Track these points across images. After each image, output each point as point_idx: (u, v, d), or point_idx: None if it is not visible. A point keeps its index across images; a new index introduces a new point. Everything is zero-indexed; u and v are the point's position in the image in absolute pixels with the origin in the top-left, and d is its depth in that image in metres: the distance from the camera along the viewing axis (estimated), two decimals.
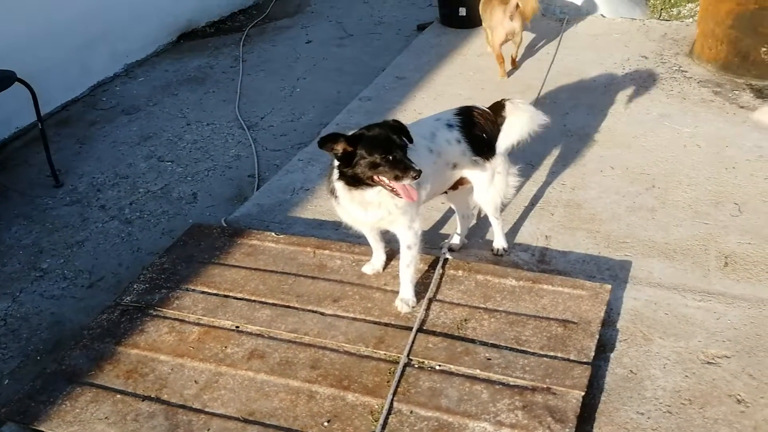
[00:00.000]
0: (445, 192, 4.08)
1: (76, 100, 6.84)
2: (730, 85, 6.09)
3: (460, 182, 4.01)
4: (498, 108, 3.97)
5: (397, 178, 3.32)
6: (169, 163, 5.81)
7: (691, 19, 7.43)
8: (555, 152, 5.30)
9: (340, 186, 3.50)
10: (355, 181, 3.43)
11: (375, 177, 3.36)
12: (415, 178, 3.30)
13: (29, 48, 6.21)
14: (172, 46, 7.93)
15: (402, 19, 8.36)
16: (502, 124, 3.94)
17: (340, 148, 3.34)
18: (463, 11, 7.34)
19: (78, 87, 6.89)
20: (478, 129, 3.85)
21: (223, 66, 7.43)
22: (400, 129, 3.43)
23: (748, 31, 6.06)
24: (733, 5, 6.07)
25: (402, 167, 3.30)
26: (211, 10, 8.37)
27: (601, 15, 7.59)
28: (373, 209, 3.55)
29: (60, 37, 6.56)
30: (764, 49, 6.01)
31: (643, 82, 6.25)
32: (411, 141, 3.44)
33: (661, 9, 7.88)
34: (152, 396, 3.36)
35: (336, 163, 3.46)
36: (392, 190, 3.38)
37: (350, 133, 3.41)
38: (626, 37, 7.10)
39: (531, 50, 7.02)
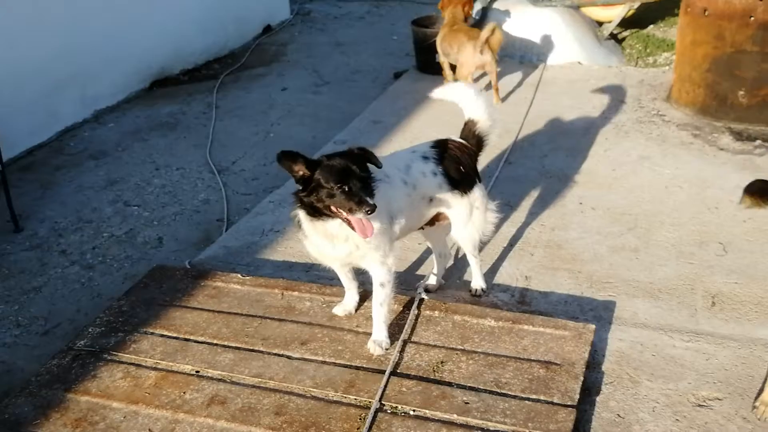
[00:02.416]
0: (422, 228, 3.90)
1: (42, 145, 6.63)
2: (708, 128, 6.03)
3: (438, 218, 3.84)
4: (468, 127, 3.91)
5: (351, 211, 3.13)
6: (136, 207, 5.60)
7: (667, 67, 7.45)
8: (534, 193, 5.17)
9: (302, 215, 3.32)
10: (314, 211, 3.25)
11: (332, 207, 3.18)
12: (368, 212, 3.09)
13: None
14: (144, 93, 7.79)
15: (379, 67, 8.31)
16: (478, 139, 3.89)
17: (298, 169, 3.19)
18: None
19: (44, 132, 6.68)
20: (454, 161, 3.71)
21: (196, 112, 7.28)
22: (363, 158, 3.25)
23: (724, 74, 6.04)
24: (710, 49, 6.06)
25: (356, 200, 3.11)
26: (185, 58, 8.27)
27: (578, 62, 7.57)
28: (339, 243, 3.35)
29: (26, 81, 6.38)
30: (741, 93, 5.98)
31: (621, 125, 6.19)
32: (379, 166, 3.27)
33: (638, 58, 7.91)
34: None
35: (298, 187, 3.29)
36: (348, 223, 3.20)
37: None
38: (603, 83, 7.07)
39: (509, 95, 6.96)
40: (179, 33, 8.14)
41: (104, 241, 5.18)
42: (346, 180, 3.12)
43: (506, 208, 4.90)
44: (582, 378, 3.30)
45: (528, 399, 3.19)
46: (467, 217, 3.80)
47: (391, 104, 6.89)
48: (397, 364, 3.43)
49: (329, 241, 3.35)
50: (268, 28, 9.76)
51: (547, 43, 7.66)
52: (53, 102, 6.74)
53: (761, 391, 3.28)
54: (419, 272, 4.41)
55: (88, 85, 7.11)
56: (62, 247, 5.13)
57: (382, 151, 5.80)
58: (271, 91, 7.77)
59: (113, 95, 7.43)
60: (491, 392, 3.24)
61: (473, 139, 3.88)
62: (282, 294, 3.99)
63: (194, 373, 3.47)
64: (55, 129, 6.80)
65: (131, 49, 7.52)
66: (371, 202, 3.11)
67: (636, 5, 8.15)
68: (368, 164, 3.27)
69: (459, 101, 3.97)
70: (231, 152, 6.38)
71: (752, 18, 5.76)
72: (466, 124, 3.93)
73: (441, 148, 3.74)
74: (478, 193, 3.82)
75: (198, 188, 5.83)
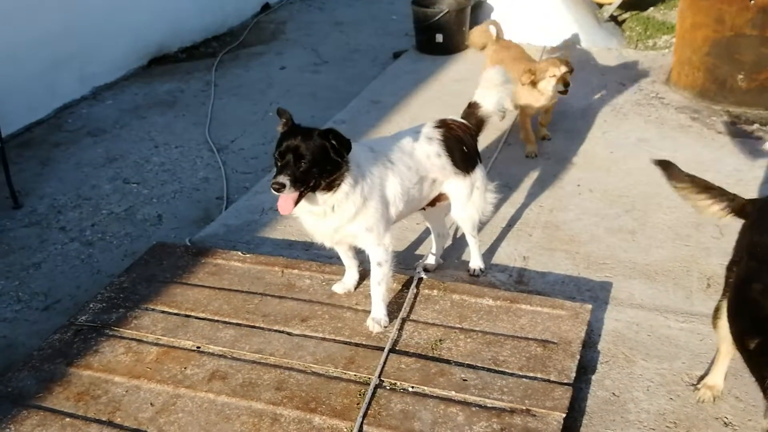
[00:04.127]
0: (423, 208, 3.92)
1: (41, 122, 6.61)
2: (707, 111, 6.04)
3: (438, 198, 3.87)
4: (471, 109, 3.92)
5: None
6: (135, 185, 5.61)
7: (667, 50, 7.44)
8: (533, 175, 5.19)
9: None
10: None
11: None
12: (273, 188, 3.11)
13: None
14: (143, 70, 7.75)
15: (378, 47, 8.28)
16: (479, 121, 3.90)
17: (282, 122, 3.30)
18: (440, 38, 7.29)
19: (43, 109, 6.65)
20: (458, 142, 3.73)
21: (194, 90, 7.27)
22: (328, 141, 3.19)
23: (724, 58, 6.04)
24: (710, 32, 6.06)
25: (275, 174, 3.15)
26: (183, 35, 8.22)
27: (578, 45, 7.56)
28: (319, 218, 3.36)
29: (24, 57, 6.34)
30: (741, 76, 5.99)
31: (620, 108, 6.20)
32: (339, 158, 3.22)
33: (638, 40, 7.89)
34: (104, 419, 3.13)
35: None
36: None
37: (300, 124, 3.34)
38: (603, 65, 7.07)
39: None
40: (177, 11, 8.08)
41: (103, 218, 5.19)
42: (283, 153, 3.15)
43: (505, 189, 4.92)
44: (578, 357, 3.34)
45: (525, 377, 3.23)
46: (468, 197, 3.82)
47: (391, 84, 6.89)
48: (396, 342, 3.47)
49: (313, 214, 3.37)
50: (266, 6, 9.69)
51: (546, 25, 7.63)
52: (51, 79, 6.71)
53: (707, 373, 3.33)
54: (418, 252, 4.44)
55: (87, 63, 7.07)
56: (62, 224, 5.15)
57: (382, 132, 5.84)
58: (269, 69, 7.75)
59: (111, 72, 7.39)
60: (489, 370, 3.28)
61: (474, 121, 3.89)
62: (282, 272, 4.02)
63: (195, 348, 3.51)
64: (53, 106, 6.77)
65: (129, 26, 7.47)
66: (280, 181, 3.09)
67: None
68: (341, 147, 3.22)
69: (484, 82, 3.95)
70: (230, 131, 6.38)
71: (752, 1, 5.76)
72: (470, 105, 3.93)
73: (444, 128, 3.75)
74: (479, 173, 3.85)
75: (197, 166, 5.84)
